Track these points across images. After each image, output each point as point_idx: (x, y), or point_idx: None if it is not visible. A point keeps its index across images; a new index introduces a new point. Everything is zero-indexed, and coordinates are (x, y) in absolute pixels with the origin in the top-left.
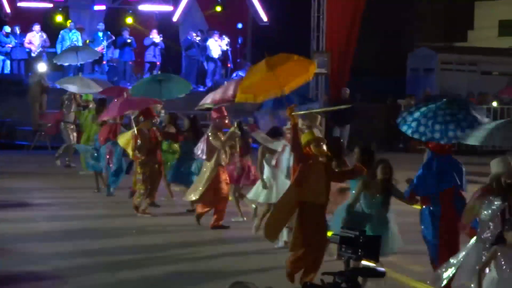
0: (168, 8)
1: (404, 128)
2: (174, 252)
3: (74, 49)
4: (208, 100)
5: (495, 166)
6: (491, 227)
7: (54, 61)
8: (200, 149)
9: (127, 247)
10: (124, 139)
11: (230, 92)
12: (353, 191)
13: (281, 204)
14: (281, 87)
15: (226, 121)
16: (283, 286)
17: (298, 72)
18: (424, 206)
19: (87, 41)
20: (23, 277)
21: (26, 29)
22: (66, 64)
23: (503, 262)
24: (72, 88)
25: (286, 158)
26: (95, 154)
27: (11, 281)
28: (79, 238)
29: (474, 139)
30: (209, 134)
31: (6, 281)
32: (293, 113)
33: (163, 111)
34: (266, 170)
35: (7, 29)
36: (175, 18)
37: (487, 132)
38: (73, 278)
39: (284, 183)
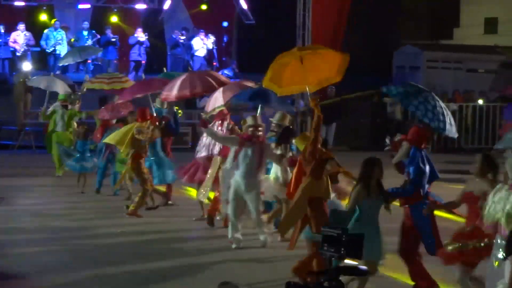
0: (153, 5)
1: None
2: (161, 247)
3: (78, 49)
4: (218, 103)
5: None
6: None
7: (60, 64)
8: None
9: (114, 246)
10: (118, 137)
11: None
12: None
13: (300, 200)
14: (306, 83)
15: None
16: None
17: (327, 70)
18: (417, 202)
19: (72, 40)
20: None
21: (11, 28)
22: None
23: None
24: (38, 86)
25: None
26: (77, 155)
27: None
28: (66, 236)
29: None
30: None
31: None
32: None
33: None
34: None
35: None
36: (160, 16)
37: None
38: (59, 274)
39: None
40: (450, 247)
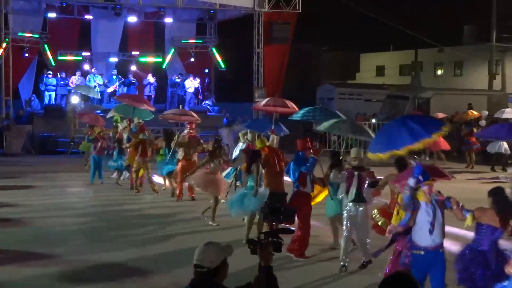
0: (159, 59)
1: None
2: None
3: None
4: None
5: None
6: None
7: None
8: None
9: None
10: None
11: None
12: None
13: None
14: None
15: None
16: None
17: None
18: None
19: (106, 81)
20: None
21: (67, 74)
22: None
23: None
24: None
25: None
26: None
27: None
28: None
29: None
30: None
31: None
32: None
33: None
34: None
35: (50, 73)
36: (163, 66)
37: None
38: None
39: None
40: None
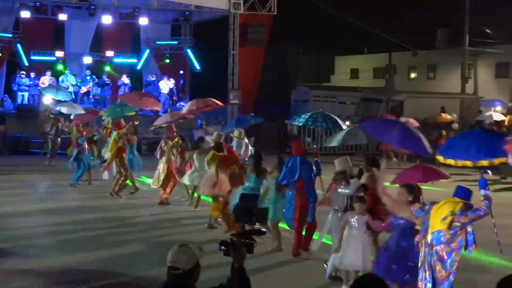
0: (133, 60)
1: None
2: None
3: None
4: (160, 122)
5: (340, 164)
6: (341, 202)
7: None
8: (157, 151)
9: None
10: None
11: (175, 116)
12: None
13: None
14: None
15: (175, 134)
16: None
17: None
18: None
19: (79, 82)
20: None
21: (39, 74)
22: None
23: (352, 222)
24: (63, 109)
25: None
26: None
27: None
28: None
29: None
30: (163, 141)
31: None
32: None
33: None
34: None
35: (23, 73)
36: (138, 67)
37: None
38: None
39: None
40: None
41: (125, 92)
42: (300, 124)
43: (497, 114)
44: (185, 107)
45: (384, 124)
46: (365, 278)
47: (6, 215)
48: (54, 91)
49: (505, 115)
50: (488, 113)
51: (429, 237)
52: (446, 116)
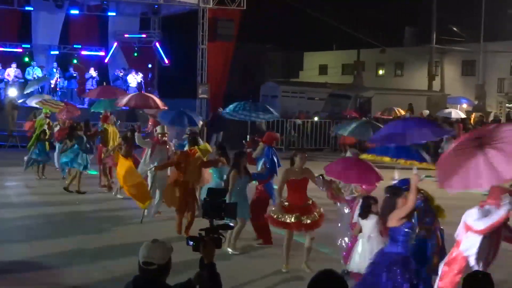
0: (101, 53)
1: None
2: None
3: (37, 81)
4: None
5: None
6: None
7: (25, 92)
8: None
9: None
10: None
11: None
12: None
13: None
14: None
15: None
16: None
17: None
18: (269, 182)
19: (46, 75)
20: None
21: (5, 66)
22: (29, 91)
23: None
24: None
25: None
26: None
27: None
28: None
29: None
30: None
31: None
32: None
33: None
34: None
35: None
36: (106, 60)
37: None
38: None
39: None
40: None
41: (92, 86)
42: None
43: (457, 111)
44: (124, 98)
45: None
46: (325, 274)
47: None
48: (36, 83)
49: (470, 112)
50: (447, 110)
51: None
52: (400, 112)
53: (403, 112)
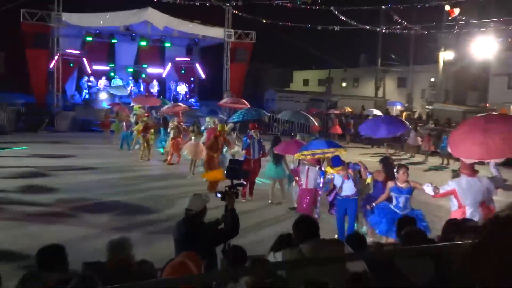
0: (160, 70)
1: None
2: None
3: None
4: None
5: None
6: None
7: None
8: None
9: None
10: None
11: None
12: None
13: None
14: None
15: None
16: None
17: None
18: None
19: (124, 84)
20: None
21: (97, 78)
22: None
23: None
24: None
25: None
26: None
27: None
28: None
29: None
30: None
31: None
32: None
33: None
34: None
35: (87, 78)
36: (163, 75)
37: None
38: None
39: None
40: None
41: (155, 93)
42: (235, 120)
43: (376, 110)
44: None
45: (371, 123)
46: (302, 218)
47: (76, 169)
48: (116, 90)
49: (402, 111)
50: (370, 109)
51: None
52: (348, 109)
53: (349, 109)
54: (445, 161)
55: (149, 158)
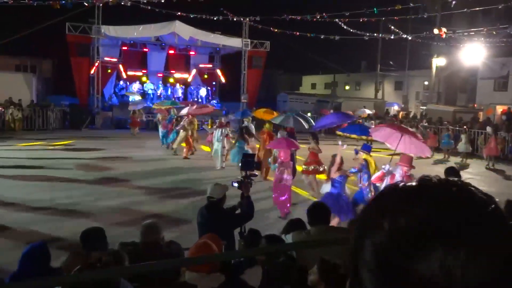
0: (186, 75)
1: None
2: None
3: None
4: (185, 111)
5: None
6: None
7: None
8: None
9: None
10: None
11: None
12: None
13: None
14: None
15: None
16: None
17: None
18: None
19: (155, 87)
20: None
21: (131, 82)
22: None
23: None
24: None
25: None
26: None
27: None
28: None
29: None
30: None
31: None
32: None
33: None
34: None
35: (122, 82)
36: (189, 80)
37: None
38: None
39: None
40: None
41: (181, 95)
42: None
43: (368, 110)
44: (199, 107)
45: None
46: (316, 205)
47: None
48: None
49: (399, 111)
50: (361, 109)
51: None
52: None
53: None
54: (446, 156)
55: (193, 152)
